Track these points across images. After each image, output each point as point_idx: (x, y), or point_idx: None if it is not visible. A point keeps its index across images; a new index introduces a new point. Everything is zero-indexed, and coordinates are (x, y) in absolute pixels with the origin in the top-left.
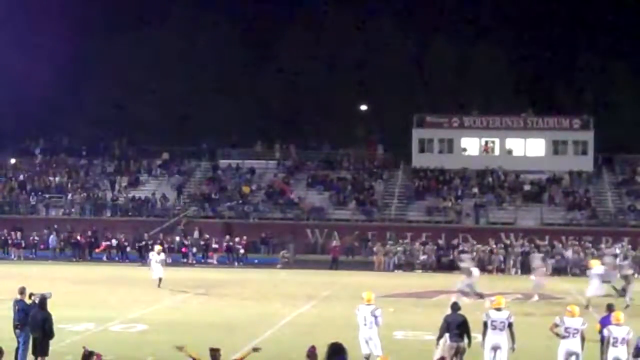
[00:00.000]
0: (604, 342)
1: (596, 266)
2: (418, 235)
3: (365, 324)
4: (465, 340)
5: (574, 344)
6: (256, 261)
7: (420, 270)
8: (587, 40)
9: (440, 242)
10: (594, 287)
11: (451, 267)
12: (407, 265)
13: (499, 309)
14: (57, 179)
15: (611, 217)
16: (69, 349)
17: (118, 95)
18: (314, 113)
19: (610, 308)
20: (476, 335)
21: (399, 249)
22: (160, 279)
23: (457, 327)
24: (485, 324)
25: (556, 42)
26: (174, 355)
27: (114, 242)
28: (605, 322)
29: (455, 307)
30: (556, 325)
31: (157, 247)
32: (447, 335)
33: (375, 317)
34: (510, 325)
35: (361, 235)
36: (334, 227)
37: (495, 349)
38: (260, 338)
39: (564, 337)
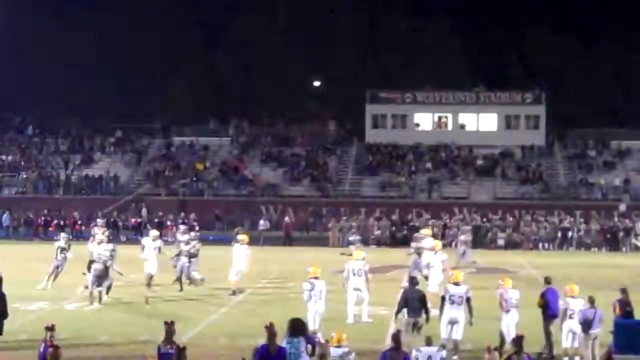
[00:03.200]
0: (558, 315)
1: None
2: (372, 210)
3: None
4: (423, 315)
5: (515, 315)
6: (211, 238)
7: (374, 246)
8: (538, 14)
9: (394, 217)
10: None
11: (405, 242)
12: (361, 240)
13: (457, 284)
14: (9, 157)
15: (563, 190)
16: (24, 328)
17: (70, 72)
18: (267, 89)
19: (547, 280)
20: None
21: (353, 224)
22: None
23: (416, 302)
24: (443, 298)
25: (507, 17)
26: (126, 331)
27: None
28: (549, 296)
29: (413, 281)
30: (504, 299)
31: (153, 233)
32: (404, 310)
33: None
34: (468, 299)
35: (315, 211)
36: (288, 203)
37: (452, 323)
38: (215, 314)
39: (507, 310)
